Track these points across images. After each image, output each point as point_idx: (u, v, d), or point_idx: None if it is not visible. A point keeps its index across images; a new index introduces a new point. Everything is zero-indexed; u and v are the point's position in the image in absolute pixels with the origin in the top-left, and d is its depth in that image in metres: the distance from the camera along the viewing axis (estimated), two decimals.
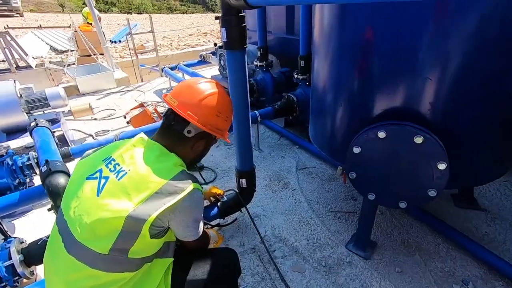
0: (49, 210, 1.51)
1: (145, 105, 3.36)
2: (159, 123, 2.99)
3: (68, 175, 1.60)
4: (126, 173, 0.98)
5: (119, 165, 1.01)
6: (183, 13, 43.90)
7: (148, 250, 1.00)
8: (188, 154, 1.15)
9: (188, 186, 0.99)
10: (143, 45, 9.14)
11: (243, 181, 1.87)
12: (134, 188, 0.94)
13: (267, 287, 1.61)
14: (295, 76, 2.99)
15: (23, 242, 1.54)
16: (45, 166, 1.57)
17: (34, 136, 2.01)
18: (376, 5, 1.22)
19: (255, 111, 2.80)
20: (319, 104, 1.81)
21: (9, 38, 5.03)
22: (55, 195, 1.47)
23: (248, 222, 2.04)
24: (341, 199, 2.25)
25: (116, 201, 0.93)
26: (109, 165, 1.02)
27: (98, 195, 0.96)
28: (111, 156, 1.05)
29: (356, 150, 1.33)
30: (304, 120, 3.08)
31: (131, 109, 3.36)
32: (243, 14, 1.42)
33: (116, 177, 0.98)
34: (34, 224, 2.18)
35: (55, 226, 1.05)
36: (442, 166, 1.17)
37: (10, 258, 1.42)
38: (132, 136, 2.76)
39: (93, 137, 3.52)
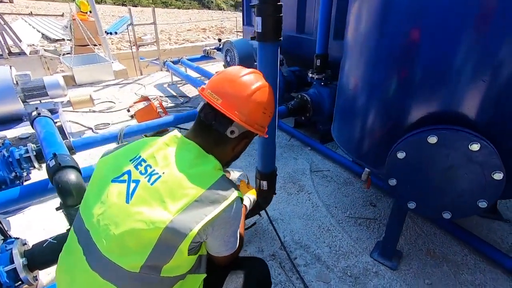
0: (57, 209, 1.36)
1: (150, 98, 3.20)
2: (166, 118, 2.86)
3: (79, 171, 1.45)
4: (160, 176, 0.84)
5: (151, 167, 0.87)
6: (179, 8, 43.33)
7: (183, 267, 0.86)
8: (227, 156, 1.02)
9: (231, 194, 0.86)
10: (141, 37, 8.89)
11: (264, 183, 1.76)
12: (169, 195, 0.81)
13: None
14: (310, 75, 2.90)
15: (25, 244, 1.38)
16: (53, 161, 1.41)
17: (36, 126, 1.84)
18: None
19: None
20: (349, 105, 1.72)
21: (2, 22, 4.76)
22: (65, 193, 1.32)
23: (265, 227, 1.93)
24: (360, 205, 2.16)
25: (149, 209, 0.79)
26: (139, 166, 0.88)
27: (127, 201, 0.82)
28: (140, 156, 0.91)
29: (401, 155, 1.24)
30: (317, 121, 2.99)
31: (134, 102, 3.20)
32: (281, 3, 1.31)
33: (148, 181, 0.84)
34: (30, 222, 2.01)
35: (73, 235, 0.90)
36: (498, 176, 1.09)
37: (12, 262, 1.26)
38: (138, 131, 2.64)
39: (92, 130, 3.33)
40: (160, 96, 4.36)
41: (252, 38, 1.43)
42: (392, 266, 1.66)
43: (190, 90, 4.74)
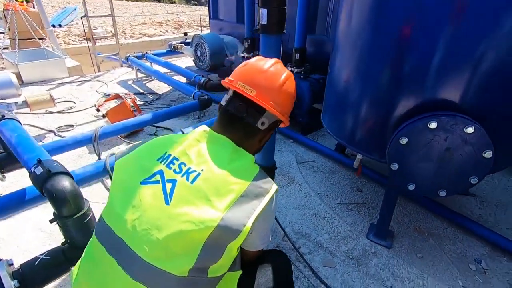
0: (51, 221, 1.21)
1: (122, 96, 2.97)
2: (143, 117, 2.69)
3: (72, 176, 1.31)
4: (199, 174, 0.80)
5: (185, 164, 0.83)
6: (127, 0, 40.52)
7: (226, 266, 0.84)
8: (254, 148, 1.00)
9: (272, 186, 0.85)
10: (90, 29, 8.15)
11: None
12: (214, 192, 0.78)
13: (304, 286, 1.54)
14: (290, 69, 2.94)
15: (11, 264, 1.22)
16: (39, 167, 1.25)
17: (3, 131, 1.61)
18: None
19: None
20: (342, 97, 1.79)
21: None
22: (61, 202, 1.18)
23: None
24: (348, 191, 2.28)
25: (195, 209, 0.75)
26: (171, 165, 0.84)
27: (167, 203, 0.77)
28: (170, 154, 0.86)
29: (403, 140, 1.34)
30: (297, 114, 3.06)
31: (104, 101, 2.94)
32: None
33: (187, 179, 0.80)
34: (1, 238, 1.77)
35: (97, 246, 0.82)
36: (488, 155, 1.23)
37: (1, 286, 1.11)
38: (114, 131, 2.46)
39: (54, 134, 3.00)
40: (127, 94, 4.08)
41: (256, 31, 1.40)
42: (387, 245, 1.79)
43: (158, 87, 4.50)
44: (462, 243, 1.84)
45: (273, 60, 1.01)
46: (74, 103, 3.81)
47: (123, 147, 2.79)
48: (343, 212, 2.07)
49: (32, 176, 1.26)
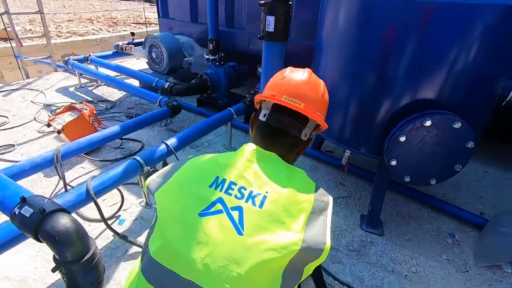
0: (53, 270, 1.01)
1: (77, 107, 2.60)
2: (111, 130, 2.41)
3: (69, 212, 1.11)
4: (265, 196, 0.76)
5: (245, 188, 0.78)
6: None
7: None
8: (292, 160, 0.99)
9: (329, 198, 0.86)
10: (5, 29, 6.91)
11: None
12: (285, 214, 0.75)
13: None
14: (206, 57, 3.25)
15: None
16: (27, 207, 1.03)
17: None
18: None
19: (230, 108, 2.63)
20: (330, 97, 1.87)
21: None
22: (66, 245, 1.00)
23: None
24: (333, 187, 2.40)
25: (271, 235, 0.72)
26: (230, 191, 0.78)
27: (240, 233, 0.71)
28: (225, 179, 0.80)
29: (402, 138, 1.46)
30: (217, 97, 3.44)
31: (56, 114, 2.54)
32: (290, 2, 1.31)
33: (254, 204, 0.75)
34: None
35: None
36: (471, 145, 1.43)
37: None
38: (78, 150, 2.15)
39: None
40: (73, 103, 3.60)
41: (261, 38, 1.37)
42: (379, 233, 1.95)
43: (109, 93, 4.06)
44: (437, 221, 2.10)
45: (307, 70, 1.00)
46: (7, 117, 3.22)
47: (106, 168, 2.47)
48: (334, 207, 2.18)
49: (18, 218, 1.03)
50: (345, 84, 1.74)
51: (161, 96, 2.96)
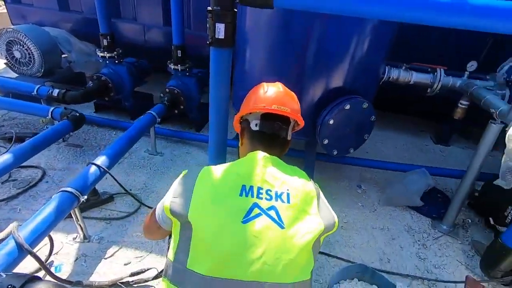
0: None
1: None
2: (3, 160, 1.78)
3: (39, 278, 0.91)
4: (288, 193, 0.93)
5: (270, 190, 0.93)
6: None
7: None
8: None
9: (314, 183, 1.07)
10: None
11: None
12: (305, 203, 0.94)
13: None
14: (101, 54, 2.81)
15: None
16: None
17: None
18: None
19: (150, 111, 2.45)
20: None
21: None
22: None
23: None
24: None
25: (302, 222, 0.90)
26: (260, 195, 0.91)
27: (282, 227, 0.86)
28: (252, 186, 0.92)
29: (331, 121, 1.81)
30: (122, 98, 3.05)
31: None
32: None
33: (282, 201, 0.91)
34: None
35: None
36: (373, 118, 1.92)
37: None
38: None
39: None
40: None
41: (210, 44, 1.37)
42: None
43: None
44: (346, 177, 2.68)
45: (279, 83, 1.21)
46: None
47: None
48: None
49: None
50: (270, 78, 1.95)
51: (52, 107, 2.42)
